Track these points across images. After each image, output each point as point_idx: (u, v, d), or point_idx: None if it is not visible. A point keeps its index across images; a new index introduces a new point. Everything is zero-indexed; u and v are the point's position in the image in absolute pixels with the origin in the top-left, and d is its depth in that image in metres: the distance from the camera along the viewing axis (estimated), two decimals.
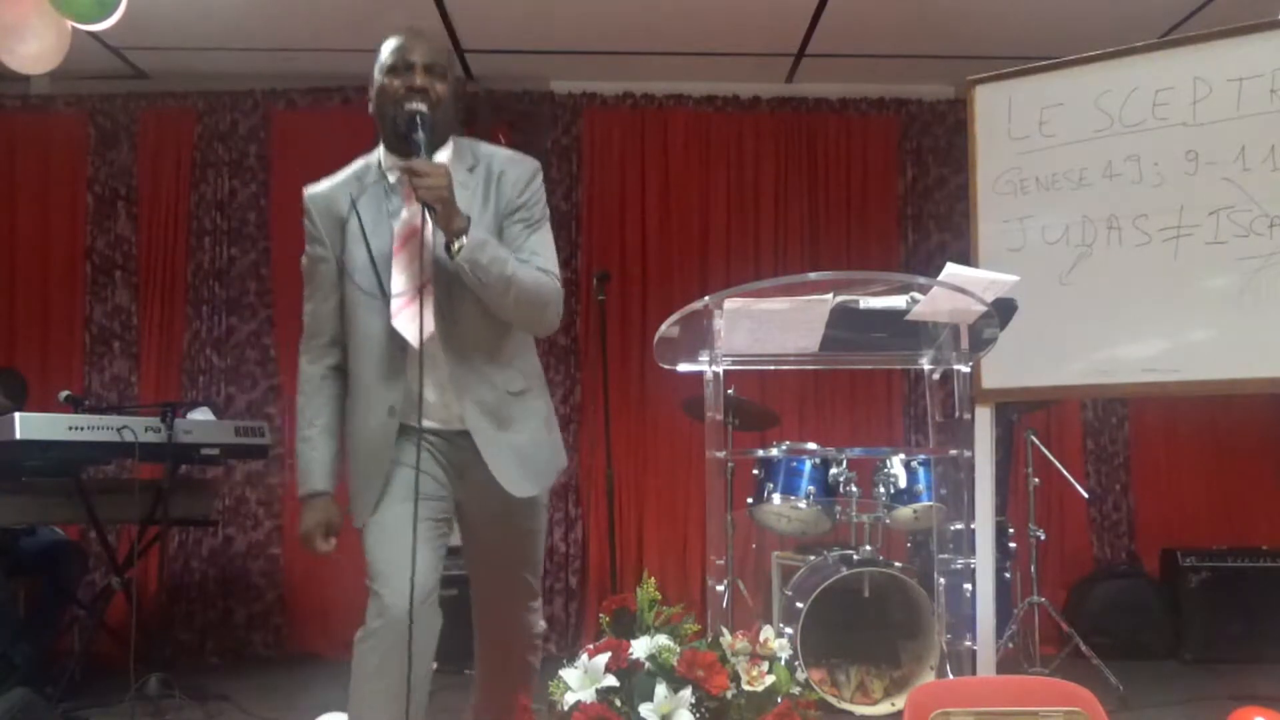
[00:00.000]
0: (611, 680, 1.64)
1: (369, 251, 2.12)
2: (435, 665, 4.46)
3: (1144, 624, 4.68)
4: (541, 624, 2.45)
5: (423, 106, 2.07)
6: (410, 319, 2.04)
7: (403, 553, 2.15)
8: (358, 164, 2.29)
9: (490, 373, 2.16)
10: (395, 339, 2.09)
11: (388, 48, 2.15)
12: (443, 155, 2.16)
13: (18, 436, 3.47)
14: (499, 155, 2.23)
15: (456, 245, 1.98)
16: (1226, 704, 3.42)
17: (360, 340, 2.15)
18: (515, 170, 2.19)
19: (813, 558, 4.01)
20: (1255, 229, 3.00)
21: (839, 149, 5.33)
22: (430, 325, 2.06)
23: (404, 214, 2.13)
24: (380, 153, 2.25)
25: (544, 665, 2.53)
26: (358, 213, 2.17)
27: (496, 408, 2.16)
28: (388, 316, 2.08)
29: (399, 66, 2.11)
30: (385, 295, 2.09)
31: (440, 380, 2.14)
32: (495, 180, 2.17)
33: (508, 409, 2.18)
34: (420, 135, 2.04)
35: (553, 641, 4.94)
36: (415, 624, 2.14)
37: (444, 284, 2.08)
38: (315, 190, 2.27)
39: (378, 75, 2.16)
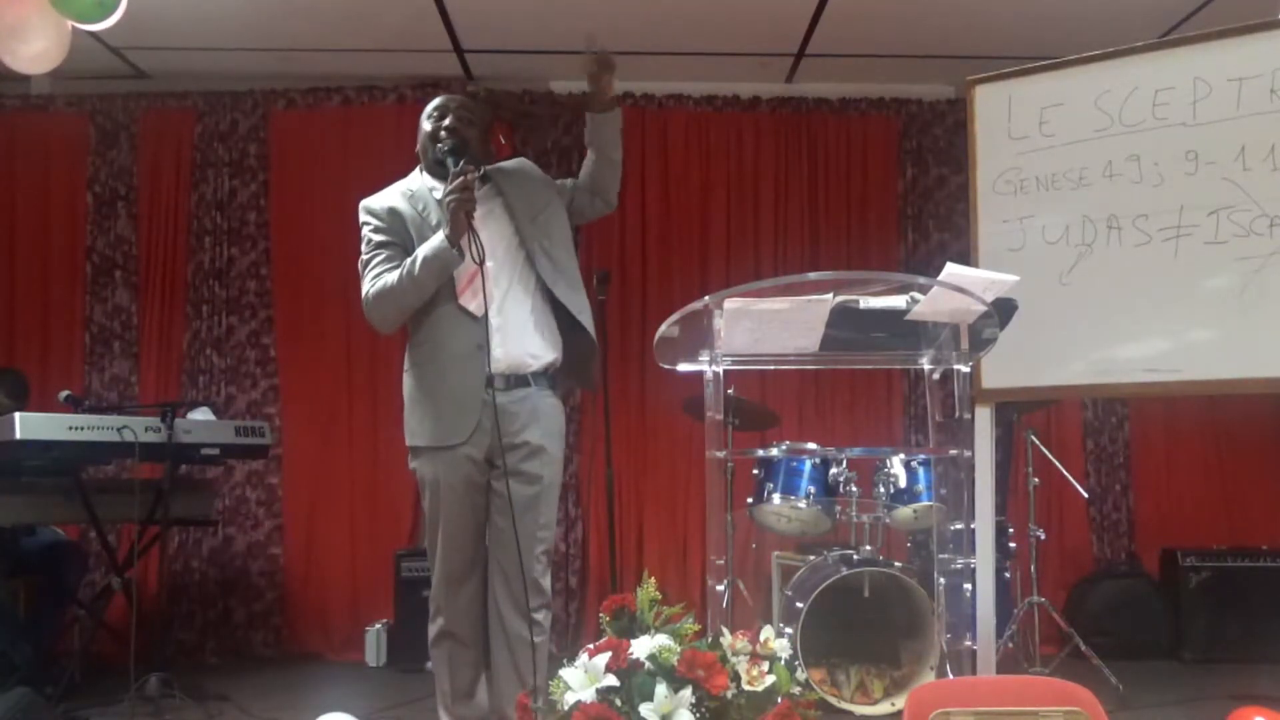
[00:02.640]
0: (611, 680, 1.64)
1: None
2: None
3: (1144, 624, 4.68)
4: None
5: (454, 147, 2.77)
6: (473, 294, 2.69)
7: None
8: (399, 186, 2.92)
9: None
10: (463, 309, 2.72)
11: (431, 105, 2.91)
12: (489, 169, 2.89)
13: (18, 436, 3.47)
14: (515, 163, 2.99)
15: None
16: (1226, 704, 3.43)
17: (437, 314, 2.74)
18: (522, 168, 2.98)
19: (813, 558, 4.02)
20: (1255, 229, 2.99)
21: (839, 149, 5.33)
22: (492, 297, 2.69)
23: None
24: (424, 176, 2.92)
25: (544, 665, 2.55)
26: (421, 216, 2.80)
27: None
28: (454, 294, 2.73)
29: (434, 113, 2.87)
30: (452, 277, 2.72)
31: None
32: (516, 178, 2.89)
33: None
34: (451, 161, 2.72)
35: (553, 641, 4.94)
36: None
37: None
38: (371, 201, 2.92)
39: (423, 123, 2.91)
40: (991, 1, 4.40)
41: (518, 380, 2.74)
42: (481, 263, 2.61)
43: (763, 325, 2.34)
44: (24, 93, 5.19)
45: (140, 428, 3.75)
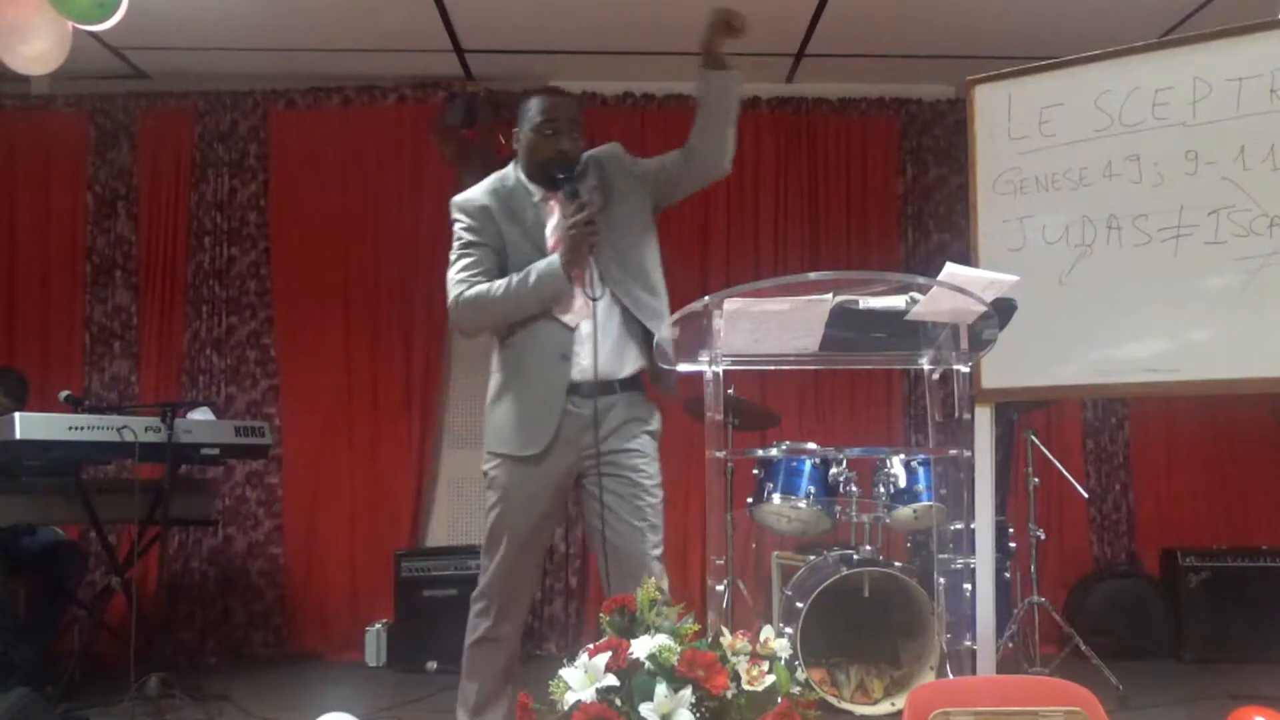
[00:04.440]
0: (611, 680, 1.64)
1: (533, 248, 2.67)
2: (435, 665, 4.47)
3: (1144, 624, 4.68)
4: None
5: (568, 168, 2.65)
6: (570, 309, 2.64)
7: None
8: (491, 180, 2.78)
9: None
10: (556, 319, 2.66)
11: (536, 105, 2.70)
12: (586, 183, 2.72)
13: (18, 436, 3.47)
14: (594, 155, 2.80)
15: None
16: (1226, 704, 3.43)
17: (530, 322, 2.67)
18: (606, 163, 2.80)
19: (813, 558, 4.02)
20: (1255, 229, 2.99)
21: (839, 149, 5.33)
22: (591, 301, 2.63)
23: (552, 222, 2.71)
24: (520, 175, 2.75)
25: (544, 665, 2.54)
26: (513, 214, 2.71)
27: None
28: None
29: (543, 125, 2.68)
30: None
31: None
32: (608, 173, 2.77)
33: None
34: (567, 186, 2.63)
35: (553, 641, 4.95)
36: None
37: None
38: (462, 198, 2.78)
39: (528, 129, 2.70)
40: (991, 1, 4.40)
41: (601, 388, 2.65)
42: (595, 299, 2.59)
43: (762, 325, 2.34)
44: (24, 93, 5.19)
45: (140, 428, 3.75)
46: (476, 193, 2.76)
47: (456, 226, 2.75)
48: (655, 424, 2.81)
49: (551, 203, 2.71)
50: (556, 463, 2.68)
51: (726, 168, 2.87)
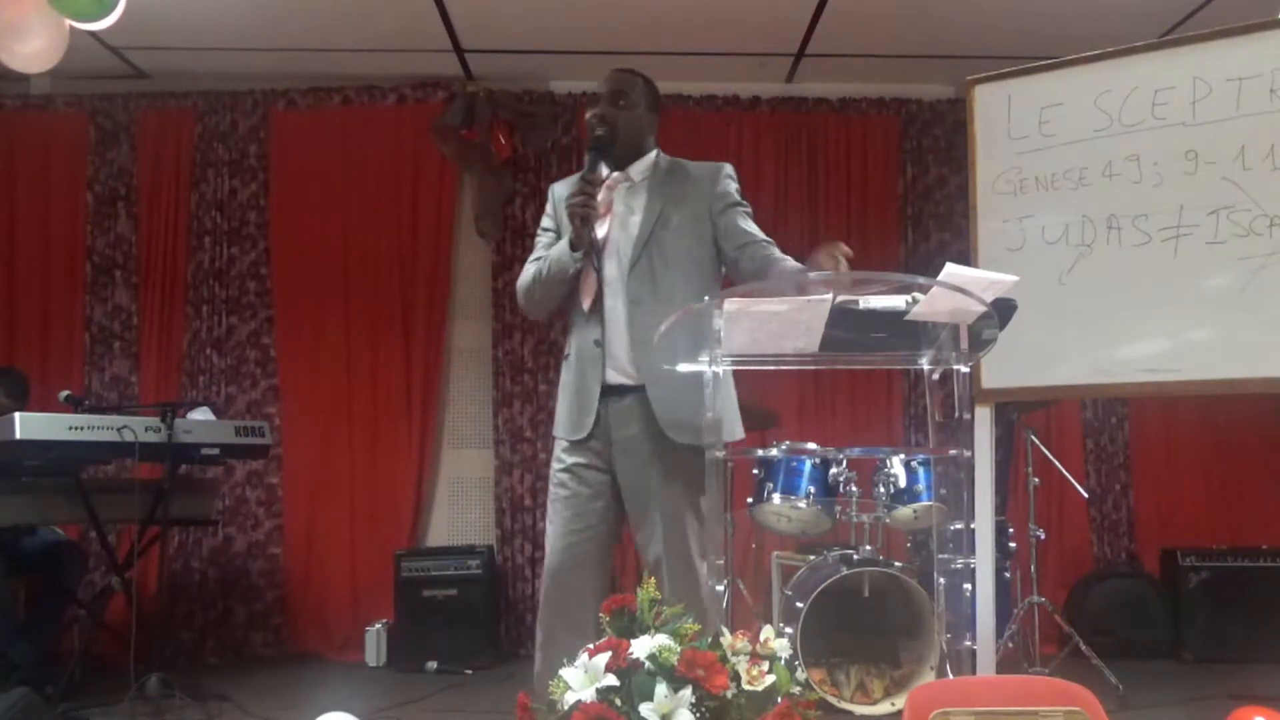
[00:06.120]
0: (611, 680, 1.64)
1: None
2: (435, 665, 4.45)
3: (1144, 624, 4.68)
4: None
5: (599, 132, 2.60)
6: (587, 295, 2.60)
7: None
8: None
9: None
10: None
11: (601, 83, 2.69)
12: (638, 167, 2.68)
13: (18, 436, 3.47)
14: (690, 165, 2.75)
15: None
16: (1226, 704, 3.42)
17: (574, 311, 2.66)
18: (703, 171, 2.71)
19: (813, 558, 4.02)
20: (1255, 229, 2.99)
21: (839, 149, 5.33)
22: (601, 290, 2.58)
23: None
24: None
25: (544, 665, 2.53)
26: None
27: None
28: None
29: (594, 100, 2.66)
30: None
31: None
32: (688, 183, 2.68)
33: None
34: (590, 155, 2.57)
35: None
36: None
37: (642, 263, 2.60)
38: (556, 184, 2.79)
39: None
40: (991, 1, 4.40)
41: (631, 388, 2.57)
42: (599, 269, 2.55)
43: (762, 325, 2.34)
44: (24, 93, 5.19)
45: (140, 428, 3.75)
46: (565, 180, 2.75)
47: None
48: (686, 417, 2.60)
49: (611, 180, 2.66)
50: (595, 448, 2.62)
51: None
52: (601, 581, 2.61)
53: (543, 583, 2.65)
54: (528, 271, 2.69)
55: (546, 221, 2.76)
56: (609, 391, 2.58)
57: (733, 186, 2.71)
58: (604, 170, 2.61)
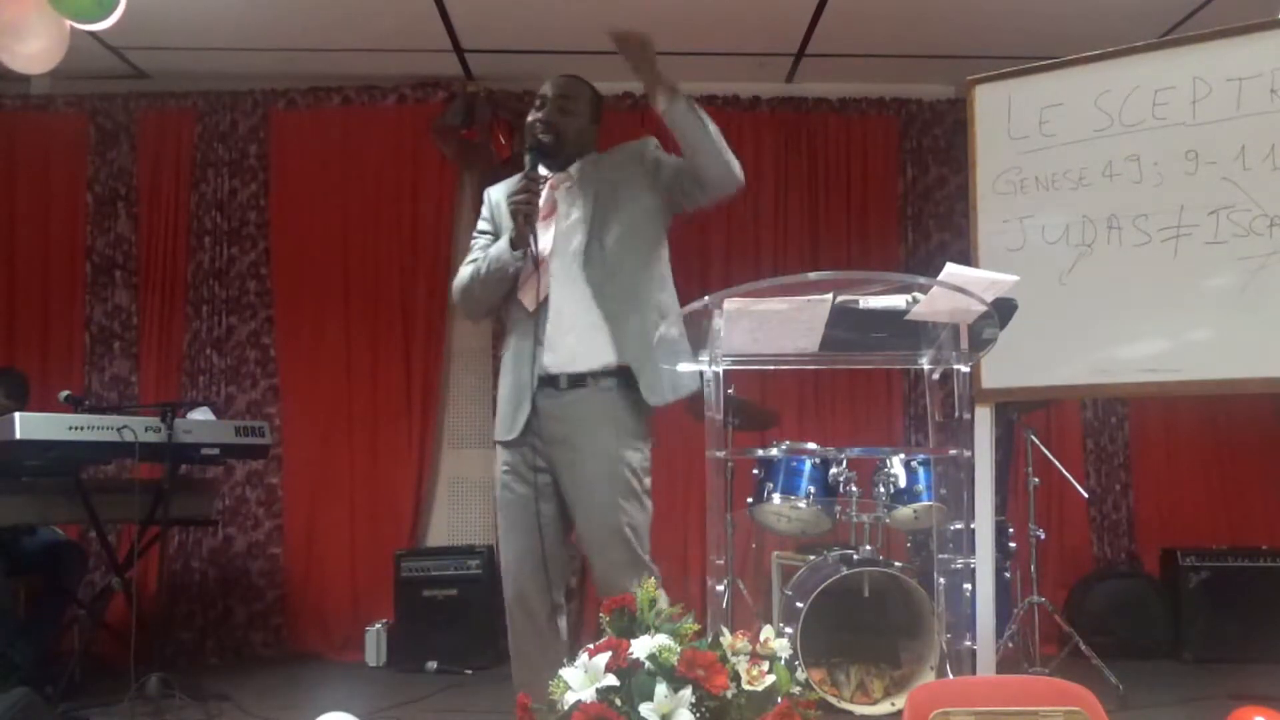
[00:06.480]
0: (611, 680, 1.64)
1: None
2: (435, 665, 4.45)
3: (1144, 624, 4.68)
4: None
5: (543, 138, 2.64)
6: (529, 290, 2.63)
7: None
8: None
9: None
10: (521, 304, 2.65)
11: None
12: (577, 166, 2.71)
13: (18, 436, 3.47)
14: (617, 149, 2.77)
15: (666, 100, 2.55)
16: (1226, 704, 3.42)
17: (510, 308, 2.69)
18: (631, 148, 2.75)
19: (813, 558, 4.02)
20: (1255, 229, 2.99)
21: (839, 149, 5.33)
22: (545, 291, 2.60)
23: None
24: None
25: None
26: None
27: None
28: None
29: (536, 102, 2.69)
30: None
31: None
32: (621, 165, 2.70)
33: None
34: (528, 157, 2.61)
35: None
36: None
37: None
38: (490, 187, 2.84)
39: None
40: (991, 1, 4.40)
41: (573, 381, 2.58)
42: (537, 266, 2.57)
43: (763, 325, 2.34)
44: (24, 93, 5.19)
45: (140, 428, 3.75)
46: (501, 183, 2.79)
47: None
48: (623, 418, 2.59)
49: (554, 180, 2.70)
50: (525, 450, 2.65)
51: (731, 187, 2.66)
52: (558, 589, 2.64)
53: (506, 608, 2.65)
54: (464, 272, 2.71)
55: (483, 224, 2.79)
56: (547, 384, 2.58)
57: (660, 152, 2.73)
58: (543, 171, 2.65)
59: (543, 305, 2.60)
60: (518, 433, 2.61)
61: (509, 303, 2.68)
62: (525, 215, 2.54)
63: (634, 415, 2.61)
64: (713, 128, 2.59)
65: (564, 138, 2.66)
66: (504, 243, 2.61)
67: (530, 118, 2.68)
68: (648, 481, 2.63)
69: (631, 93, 5.27)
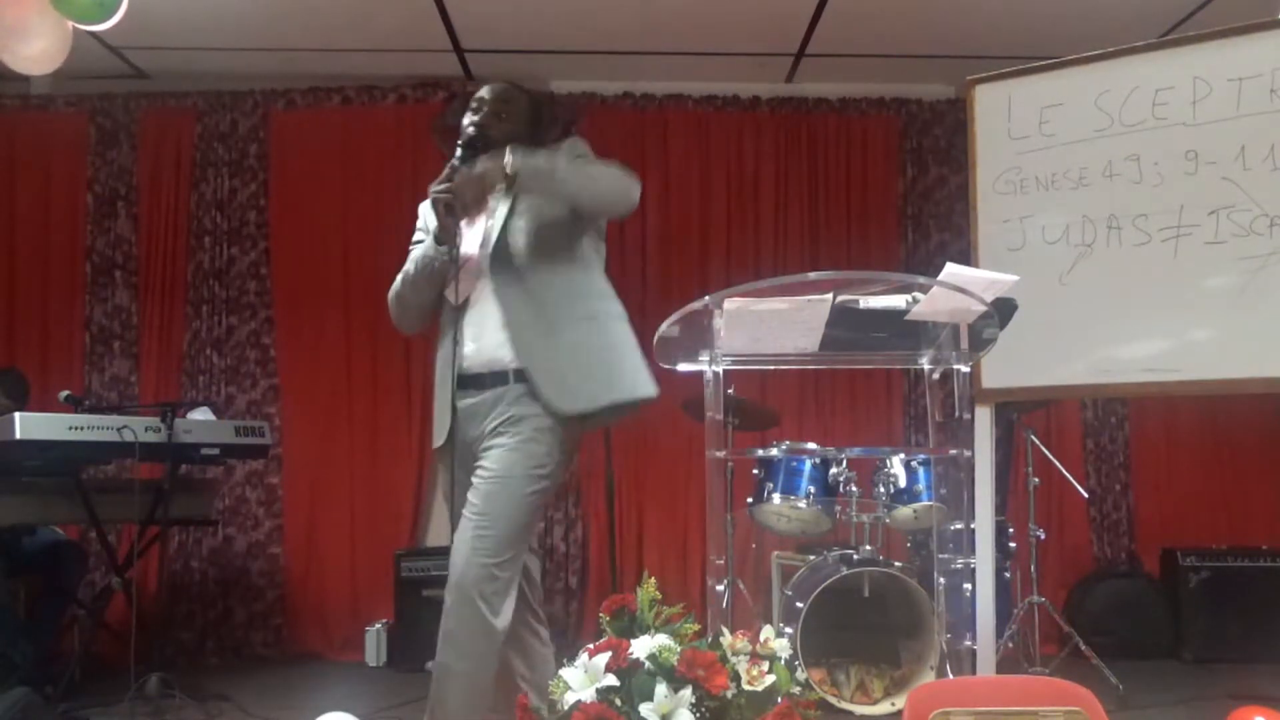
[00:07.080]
0: (611, 680, 1.64)
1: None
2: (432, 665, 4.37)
3: (1144, 624, 4.68)
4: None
5: (473, 139, 2.59)
6: (452, 286, 2.57)
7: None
8: None
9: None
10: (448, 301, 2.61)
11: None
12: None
13: (18, 436, 3.46)
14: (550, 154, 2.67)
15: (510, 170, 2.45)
16: (1226, 704, 3.43)
17: (442, 309, 2.65)
18: (559, 150, 2.63)
19: (813, 558, 4.02)
20: (1255, 229, 3.00)
21: (839, 149, 5.33)
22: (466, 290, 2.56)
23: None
24: None
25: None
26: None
27: None
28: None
29: (470, 109, 2.68)
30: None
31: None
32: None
33: None
34: (462, 150, 2.57)
35: (553, 641, 4.94)
36: None
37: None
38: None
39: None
40: (991, 1, 4.40)
41: (495, 379, 2.50)
42: (455, 258, 2.52)
43: (763, 325, 2.34)
44: (24, 93, 5.19)
45: (140, 428, 3.75)
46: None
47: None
48: (539, 417, 2.46)
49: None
50: (452, 451, 2.58)
51: (615, 210, 2.62)
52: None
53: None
54: (395, 282, 2.68)
55: (418, 235, 2.77)
56: (466, 384, 2.52)
57: (579, 150, 2.61)
58: (478, 170, 2.57)
59: (465, 304, 2.57)
60: (444, 439, 2.55)
61: (444, 302, 2.63)
62: (445, 205, 2.51)
63: (538, 420, 2.45)
64: (561, 170, 2.49)
65: (492, 142, 2.58)
66: (429, 240, 2.60)
67: (465, 120, 2.66)
68: (537, 487, 2.45)
69: (632, 93, 5.28)
